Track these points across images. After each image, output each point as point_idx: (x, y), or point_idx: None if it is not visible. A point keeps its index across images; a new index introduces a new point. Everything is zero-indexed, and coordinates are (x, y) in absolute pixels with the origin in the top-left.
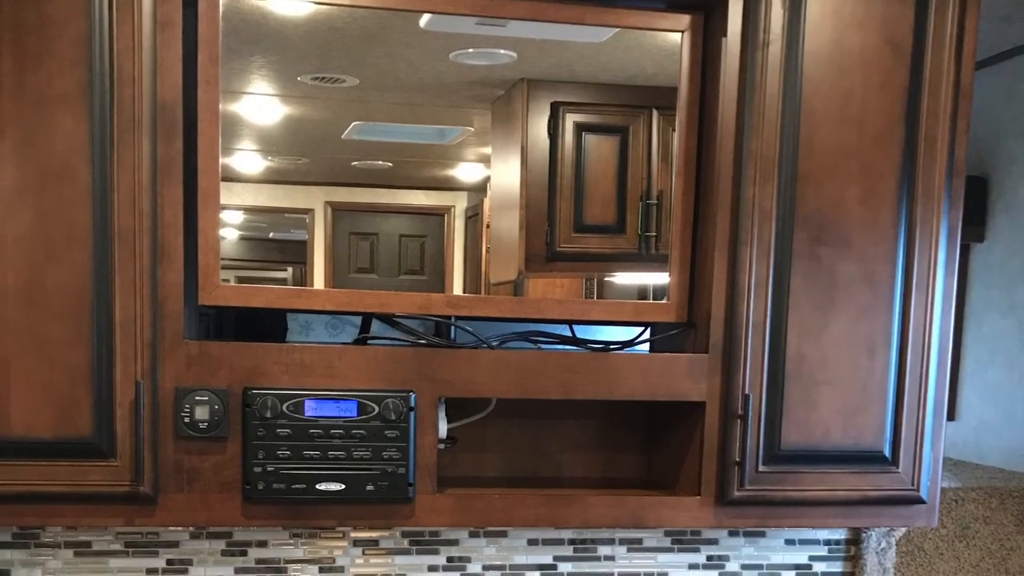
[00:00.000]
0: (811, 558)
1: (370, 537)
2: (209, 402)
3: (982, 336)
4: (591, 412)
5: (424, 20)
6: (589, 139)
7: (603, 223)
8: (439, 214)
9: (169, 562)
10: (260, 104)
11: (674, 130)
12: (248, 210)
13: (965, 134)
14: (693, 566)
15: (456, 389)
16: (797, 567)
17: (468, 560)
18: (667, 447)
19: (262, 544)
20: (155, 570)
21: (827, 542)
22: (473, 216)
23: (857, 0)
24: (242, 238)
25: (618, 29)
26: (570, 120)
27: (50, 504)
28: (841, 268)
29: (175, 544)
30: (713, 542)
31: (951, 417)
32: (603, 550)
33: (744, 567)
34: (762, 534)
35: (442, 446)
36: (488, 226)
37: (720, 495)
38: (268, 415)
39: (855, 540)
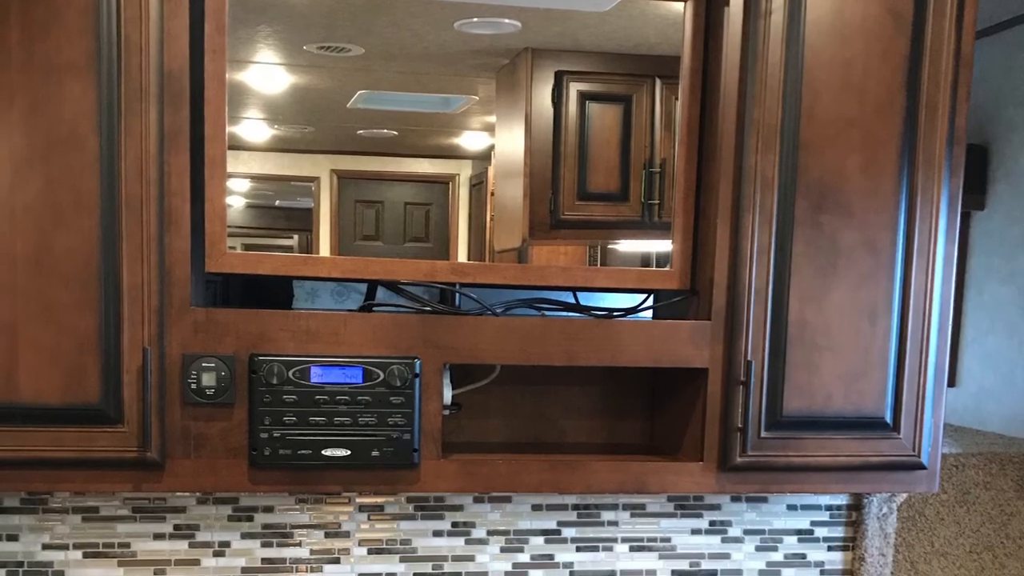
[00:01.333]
0: (813, 523)
1: (375, 502)
2: (216, 368)
3: (982, 303)
4: (594, 378)
5: None
6: (593, 108)
7: (606, 191)
8: (444, 182)
9: (176, 527)
10: (266, 73)
11: (677, 99)
12: (254, 178)
13: (965, 102)
14: (696, 531)
15: (461, 356)
16: (799, 532)
17: (473, 525)
18: (670, 413)
19: (268, 509)
20: (162, 535)
21: (829, 507)
22: (477, 184)
23: None
24: (248, 206)
25: None
26: (574, 89)
27: (58, 470)
28: (842, 235)
29: (182, 509)
30: (716, 507)
31: (951, 383)
32: (606, 515)
33: (746, 532)
34: (764, 499)
35: (447, 412)
36: (492, 194)
37: (722, 461)
38: (274, 381)
39: (856, 505)
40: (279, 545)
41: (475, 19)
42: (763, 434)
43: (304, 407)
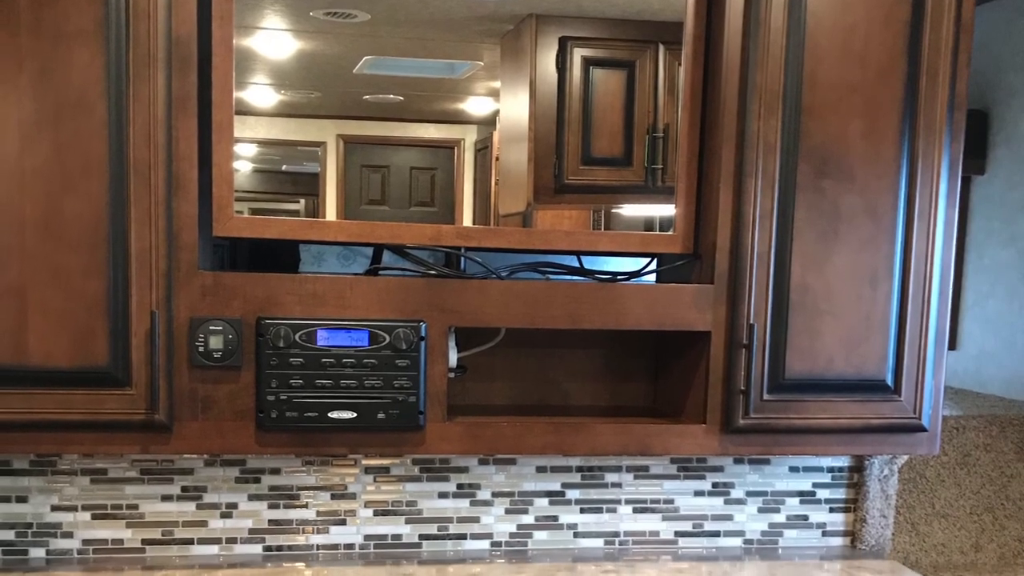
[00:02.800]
0: (815, 485)
1: (381, 464)
2: (223, 332)
3: (983, 267)
4: (598, 342)
5: None
6: (596, 73)
7: (610, 156)
8: (449, 147)
9: (184, 489)
10: (273, 39)
11: (680, 64)
12: (261, 143)
13: (966, 68)
14: (699, 493)
15: (466, 319)
16: (801, 494)
17: (478, 487)
18: (673, 376)
19: (275, 471)
20: (170, 497)
21: (830, 469)
22: (482, 149)
23: None
24: (255, 170)
25: None
26: (578, 54)
27: (67, 432)
28: (844, 200)
29: (190, 471)
30: (718, 469)
31: (952, 347)
32: (610, 477)
33: (749, 494)
34: (766, 462)
35: (452, 375)
36: (497, 159)
37: (725, 423)
38: (281, 344)
39: (858, 467)
40: (286, 507)
41: None
42: (765, 397)
43: (310, 370)
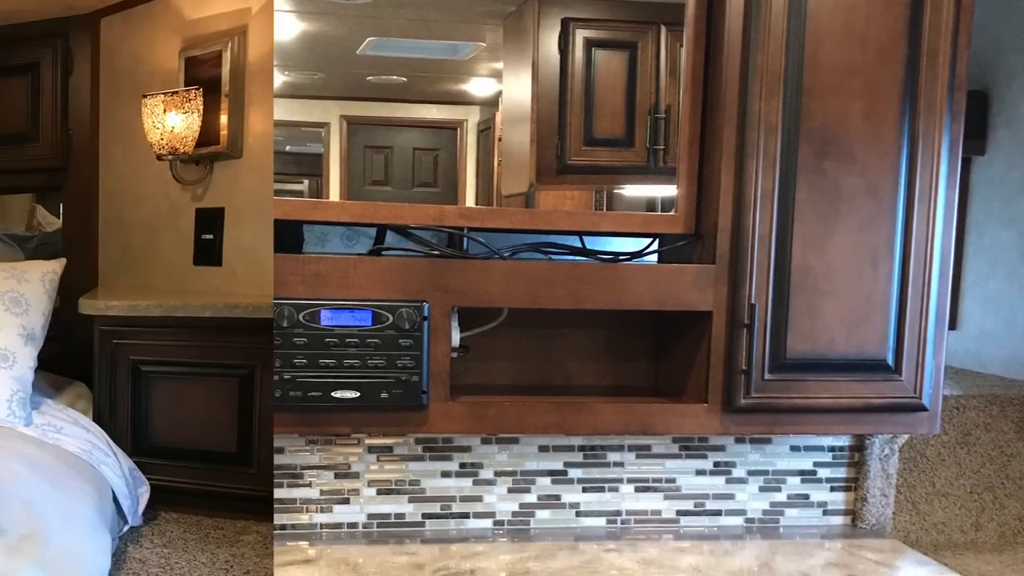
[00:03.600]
0: (815, 464)
1: (384, 444)
2: None
3: (983, 247)
4: (600, 322)
5: None
6: (599, 54)
7: (612, 136)
8: (452, 128)
9: None
10: (277, 20)
11: (682, 45)
12: None
13: (966, 49)
14: (700, 472)
15: (468, 299)
16: (802, 473)
17: (480, 466)
18: (675, 356)
19: (279, 451)
20: None
21: (831, 449)
22: (485, 130)
23: None
24: None
25: None
26: (580, 36)
27: None
28: (845, 181)
29: None
30: (720, 448)
31: (952, 326)
32: (612, 456)
33: (750, 473)
34: (768, 441)
35: (455, 355)
36: (500, 139)
37: (727, 403)
38: (285, 324)
39: (859, 447)
40: (289, 486)
41: None
42: (767, 376)
43: (314, 350)
